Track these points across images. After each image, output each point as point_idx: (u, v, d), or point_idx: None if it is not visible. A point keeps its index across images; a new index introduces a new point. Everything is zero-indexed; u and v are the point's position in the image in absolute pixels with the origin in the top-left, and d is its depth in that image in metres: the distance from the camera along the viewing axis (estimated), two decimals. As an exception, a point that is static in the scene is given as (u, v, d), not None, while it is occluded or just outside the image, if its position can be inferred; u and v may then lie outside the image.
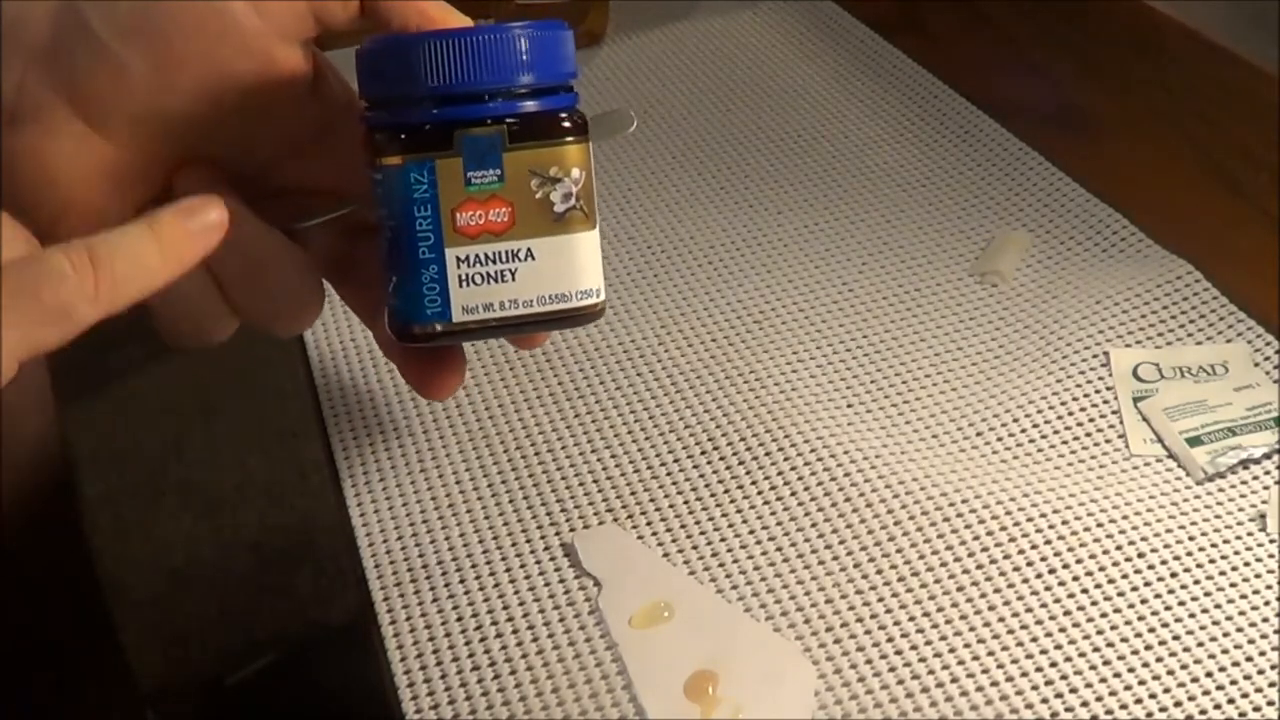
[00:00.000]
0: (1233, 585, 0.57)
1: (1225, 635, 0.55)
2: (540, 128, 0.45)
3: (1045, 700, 0.53)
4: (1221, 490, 0.62)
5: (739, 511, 0.62)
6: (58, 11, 0.44)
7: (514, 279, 0.46)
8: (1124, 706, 0.53)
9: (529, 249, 0.46)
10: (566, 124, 0.46)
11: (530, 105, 0.45)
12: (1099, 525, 0.60)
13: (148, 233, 0.42)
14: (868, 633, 0.56)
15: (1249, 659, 0.54)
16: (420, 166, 0.44)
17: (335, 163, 0.49)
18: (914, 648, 0.55)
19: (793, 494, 0.63)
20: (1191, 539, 0.59)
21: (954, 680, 0.54)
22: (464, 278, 0.45)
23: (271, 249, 0.46)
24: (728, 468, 0.65)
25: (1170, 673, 0.54)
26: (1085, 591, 0.57)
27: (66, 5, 0.44)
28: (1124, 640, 0.55)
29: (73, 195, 0.44)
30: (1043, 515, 0.60)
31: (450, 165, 0.45)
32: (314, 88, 0.47)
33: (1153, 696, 0.53)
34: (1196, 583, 0.57)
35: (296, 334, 0.48)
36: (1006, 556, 0.59)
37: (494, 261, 0.45)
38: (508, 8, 0.99)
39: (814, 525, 0.61)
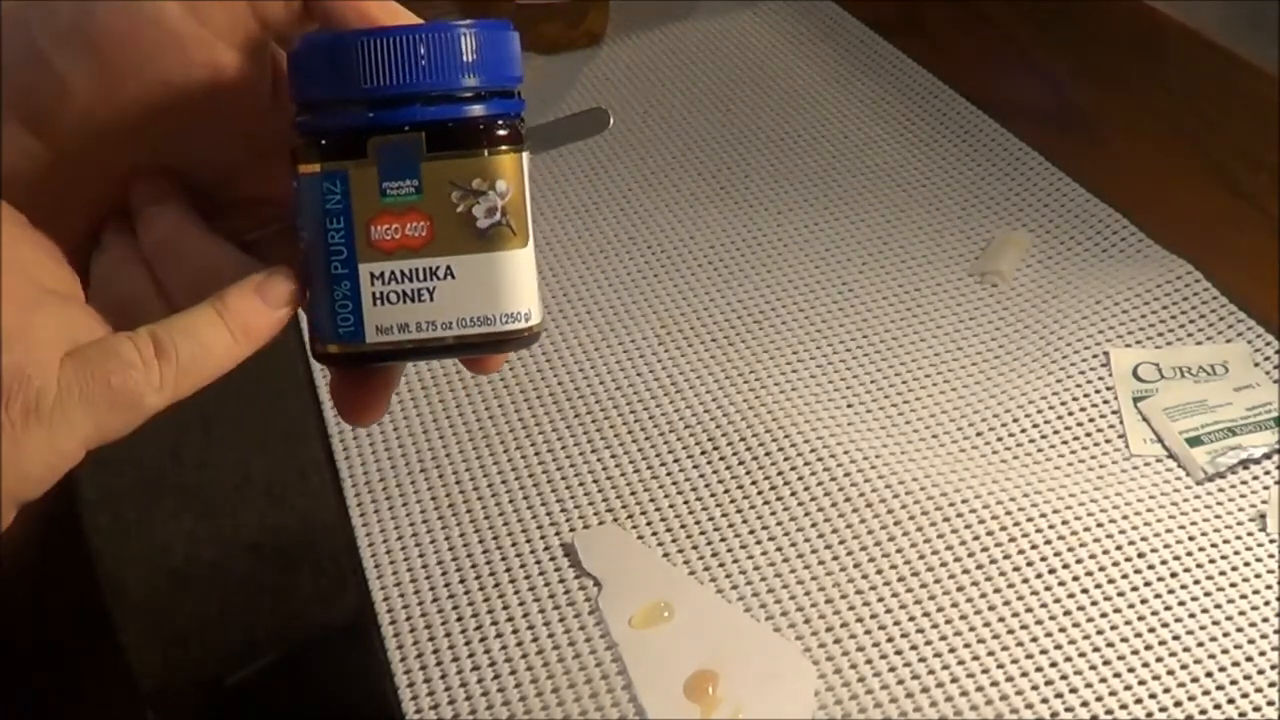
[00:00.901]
0: (1233, 585, 0.57)
1: (1225, 635, 0.55)
2: (462, 136, 0.42)
3: (1045, 700, 0.53)
4: (1221, 490, 0.62)
5: (739, 511, 0.62)
6: (5, 25, 0.43)
7: (432, 298, 0.42)
8: (1124, 706, 0.53)
9: (448, 267, 0.42)
10: (491, 132, 0.42)
11: (454, 111, 0.42)
12: (1099, 525, 0.60)
13: (213, 317, 0.41)
14: (868, 633, 0.56)
15: (1249, 659, 0.54)
16: (334, 176, 0.42)
17: None
18: (914, 648, 0.55)
19: (793, 494, 0.63)
20: (1191, 539, 0.59)
21: (954, 680, 0.54)
22: (378, 296, 0.42)
23: (221, 261, 0.45)
24: (728, 468, 0.65)
25: (1170, 673, 0.54)
26: (1085, 591, 0.57)
27: (14, 17, 0.43)
28: (1124, 640, 0.55)
29: (21, 207, 0.44)
30: (1043, 515, 0.60)
31: (365, 174, 0.41)
32: (275, 93, 0.46)
33: (1153, 696, 0.53)
34: (1196, 583, 0.57)
35: (255, 349, 0.46)
36: (1006, 556, 0.59)
37: (410, 279, 0.42)
38: (507, 8, 0.99)
39: (814, 525, 0.61)
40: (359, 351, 0.43)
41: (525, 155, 0.43)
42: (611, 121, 0.49)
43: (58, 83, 0.42)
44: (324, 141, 0.42)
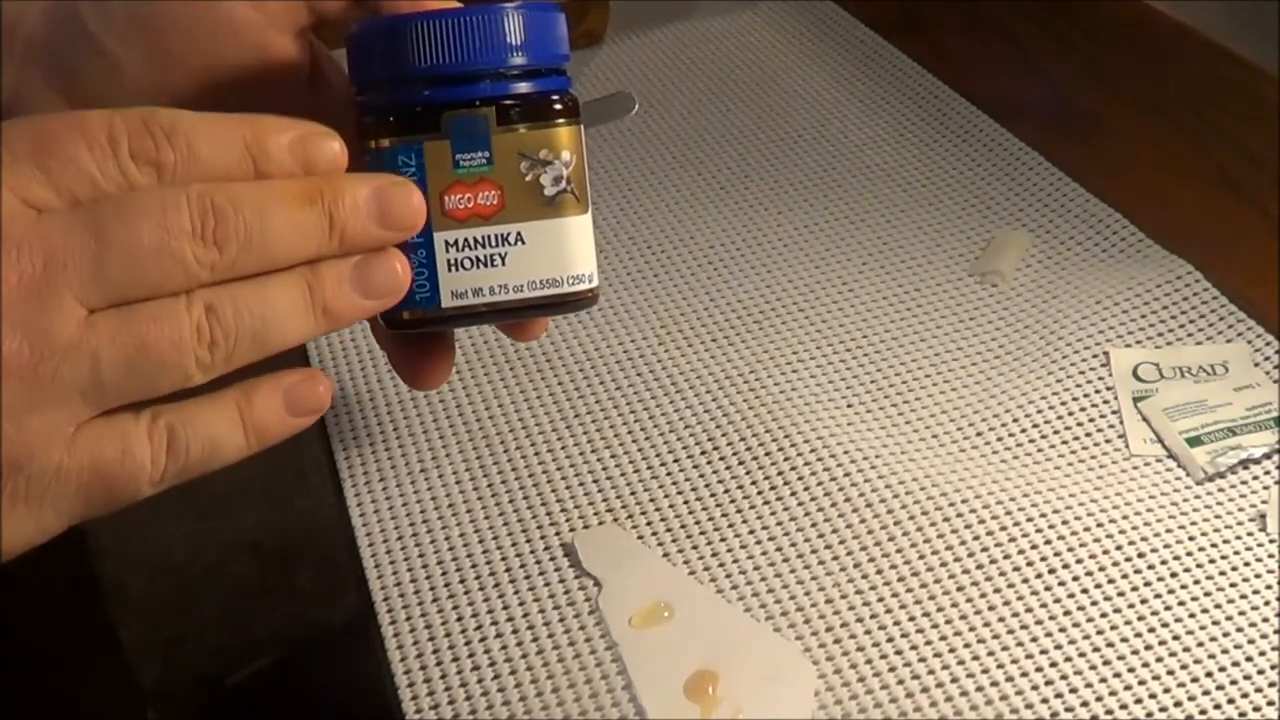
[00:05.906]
0: (1233, 585, 0.57)
1: (1225, 635, 0.55)
2: (529, 110, 0.45)
3: (1045, 700, 0.53)
4: (1221, 490, 0.62)
5: (739, 511, 0.62)
6: (53, 11, 0.44)
7: (504, 263, 0.45)
8: (1124, 706, 0.53)
9: (519, 233, 0.45)
10: (555, 106, 0.45)
11: (519, 87, 0.45)
12: (1099, 525, 0.60)
13: (234, 416, 0.40)
14: (868, 633, 0.56)
15: (1249, 659, 0.54)
16: (408, 149, 0.44)
17: None
18: (914, 648, 0.55)
19: (793, 494, 0.63)
20: (1191, 539, 0.59)
21: (954, 680, 0.54)
22: (453, 262, 0.44)
23: None
24: (728, 468, 0.65)
25: (1170, 673, 0.54)
26: (1085, 591, 0.57)
27: (61, 5, 0.44)
28: (1124, 640, 0.55)
29: None
30: (1043, 515, 0.60)
31: (438, 147, 0.44)
32: (312, 79, 0.47)
33: (1153, 696, 0.53)
34: (1196, 583, 0.57)
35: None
36: (1006, 556, 0.59)
37: (483, 245, 0.44)
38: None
39: (814, 525, 0.61)
40: (435, 316, 0.45)
41: (581, 127, 0.46)
42: (636, 106, 0.51)
43: (110, 66, 0.43)
44: (393, 118, 0.44)
